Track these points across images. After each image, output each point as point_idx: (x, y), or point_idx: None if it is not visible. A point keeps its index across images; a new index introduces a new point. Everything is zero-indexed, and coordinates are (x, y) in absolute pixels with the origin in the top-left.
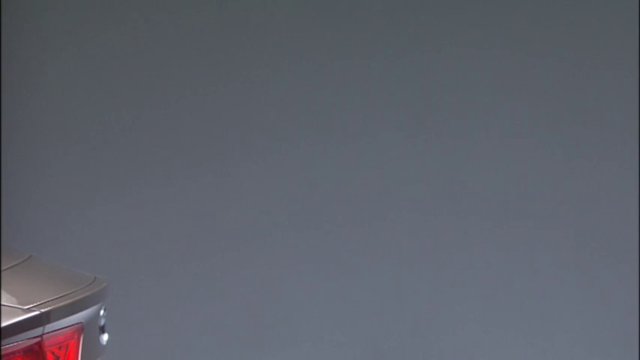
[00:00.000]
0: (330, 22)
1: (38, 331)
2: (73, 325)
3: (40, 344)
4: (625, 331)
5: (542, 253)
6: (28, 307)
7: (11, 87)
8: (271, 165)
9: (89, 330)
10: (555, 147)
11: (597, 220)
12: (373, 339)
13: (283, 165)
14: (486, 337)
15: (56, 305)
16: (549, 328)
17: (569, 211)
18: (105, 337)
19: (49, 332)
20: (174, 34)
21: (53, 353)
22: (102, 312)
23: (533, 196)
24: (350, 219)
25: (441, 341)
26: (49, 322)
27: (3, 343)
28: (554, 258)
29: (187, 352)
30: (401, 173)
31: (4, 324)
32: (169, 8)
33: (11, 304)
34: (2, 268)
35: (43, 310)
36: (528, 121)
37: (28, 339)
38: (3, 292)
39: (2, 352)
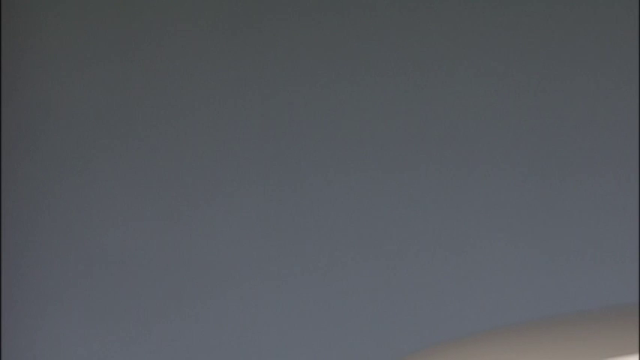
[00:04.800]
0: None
1: None
2: None
3: None
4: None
5: (542, 251)
6: None
7: (11, 87)
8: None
9: None
10: (554, 148)
11: (597, 222)
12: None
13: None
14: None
15: None
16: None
17: (570, 211)
18: None
19: None
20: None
21: None
22: None
23: (533, 192)
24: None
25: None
26: None
27: None
28: (555, 257)
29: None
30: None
31: None
32: (172, 12)
33: None
34: None
35: None
36: (527, 119)
37: None
38: None
39: None
